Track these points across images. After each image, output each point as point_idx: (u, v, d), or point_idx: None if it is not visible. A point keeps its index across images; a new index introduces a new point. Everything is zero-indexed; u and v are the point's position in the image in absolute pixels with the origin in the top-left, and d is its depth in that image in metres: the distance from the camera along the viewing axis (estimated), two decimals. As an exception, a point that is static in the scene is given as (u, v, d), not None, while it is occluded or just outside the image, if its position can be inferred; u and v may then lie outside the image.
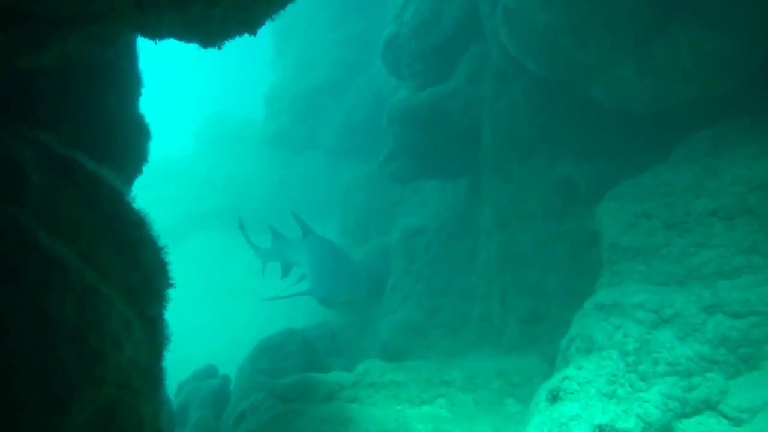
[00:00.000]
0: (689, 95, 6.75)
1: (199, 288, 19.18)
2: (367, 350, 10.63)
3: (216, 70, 43.88)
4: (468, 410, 7.11)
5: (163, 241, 3.37)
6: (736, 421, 4.81)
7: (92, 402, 2.35)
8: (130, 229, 2.90)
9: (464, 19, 9.81)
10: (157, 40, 3.77)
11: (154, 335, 2.95)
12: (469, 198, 10.72)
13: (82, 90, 3.99)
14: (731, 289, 5.46)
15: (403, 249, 11.71)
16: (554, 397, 5.42)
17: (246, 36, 3.92)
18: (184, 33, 3.33)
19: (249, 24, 3.42)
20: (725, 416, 4.89)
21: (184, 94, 49.76)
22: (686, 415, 4.97)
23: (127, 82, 4.52)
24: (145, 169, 4.79)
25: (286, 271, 11.05)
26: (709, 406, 4.98)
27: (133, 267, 2.81)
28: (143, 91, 4.69)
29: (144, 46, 4.62)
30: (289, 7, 3.70)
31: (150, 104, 4.90)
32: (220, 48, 3.72)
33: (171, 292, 3.42)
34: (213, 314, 18.57)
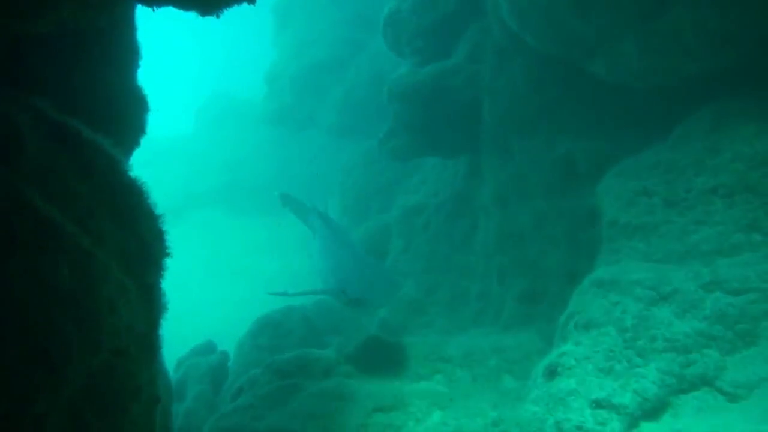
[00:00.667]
0: (691, 71, 6.71)
1: (199, 266, 19.24)
2: (365, 328, 10.66)
3: (216, 48, 43.59)
4: (466, 386, 7.15)
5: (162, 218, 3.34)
6: (732, 397, 4.83)
7: (88, 367, 2.35)
8: (127, 196, 2.89)
9: (466, -6, 9.73)
10: (154, 8, 3.73)
11: (151, 303, 2.94)
12: (468, 176, 10.67)
13: (78, 59, 3.94)
14: (730, 266, 5.46)
15: (403, 227, 11.71)
16: (552, 373, 5.44)
17: (245, 8, 3.88)
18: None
19: (248, -10, 3.38)
20: (722, 392, 4.90)
21: (184, 73, 49.46)
22: (683, 391, 5.00)
23: (125, 52, 4.46)
24: (145, 147, 4.75)
25: None
26: (705, 382, 4.99)
27: (130, 234, 2.80)
28: (142, 65, 4.63)
29: (143, 25, 4.59)
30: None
31: (150, 83, 4.83)
32: (218, 16, 3.67)
33: (172, 269, 3.41)
34: (212, 291, 18.65)
